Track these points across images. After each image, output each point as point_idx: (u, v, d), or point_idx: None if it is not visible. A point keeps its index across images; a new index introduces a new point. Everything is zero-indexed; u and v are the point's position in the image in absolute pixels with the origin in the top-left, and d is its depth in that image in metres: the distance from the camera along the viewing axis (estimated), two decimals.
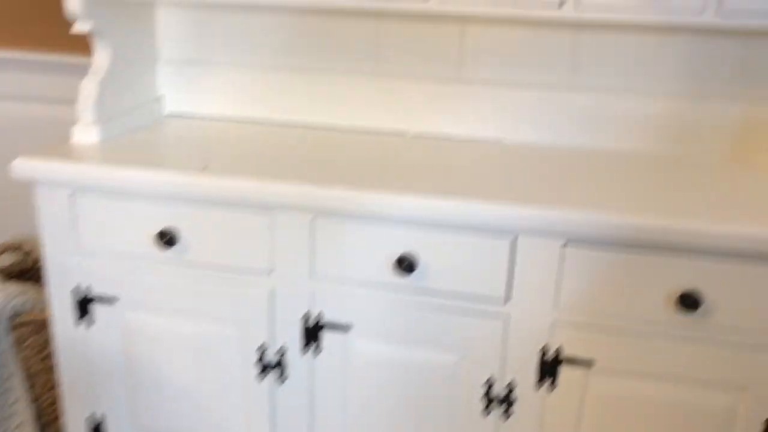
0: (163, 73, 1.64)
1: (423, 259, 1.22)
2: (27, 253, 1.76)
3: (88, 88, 1.43)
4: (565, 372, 1.20)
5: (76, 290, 1.37)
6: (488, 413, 1.25)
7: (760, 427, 1.14)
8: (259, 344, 1.32)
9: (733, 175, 1.35)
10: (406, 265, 1.21)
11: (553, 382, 1.21)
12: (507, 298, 1.21)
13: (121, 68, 1.50)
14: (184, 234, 1.30)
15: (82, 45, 1.71)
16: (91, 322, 1.39)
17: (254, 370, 1.33)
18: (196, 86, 1.64)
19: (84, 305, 1.37)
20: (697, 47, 1.40)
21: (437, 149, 1.48)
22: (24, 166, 1.30)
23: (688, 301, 1.13)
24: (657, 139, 1.47)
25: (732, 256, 1.11)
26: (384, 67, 1.55)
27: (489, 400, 1.24)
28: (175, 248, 1.31)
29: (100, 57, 1.46)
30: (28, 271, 1.77)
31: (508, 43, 1.48)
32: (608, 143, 1.49)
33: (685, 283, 1.14)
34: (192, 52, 1.63)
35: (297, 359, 1.31)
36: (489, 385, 1.23)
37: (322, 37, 1.56)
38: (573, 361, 1.19)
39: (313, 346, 1.29)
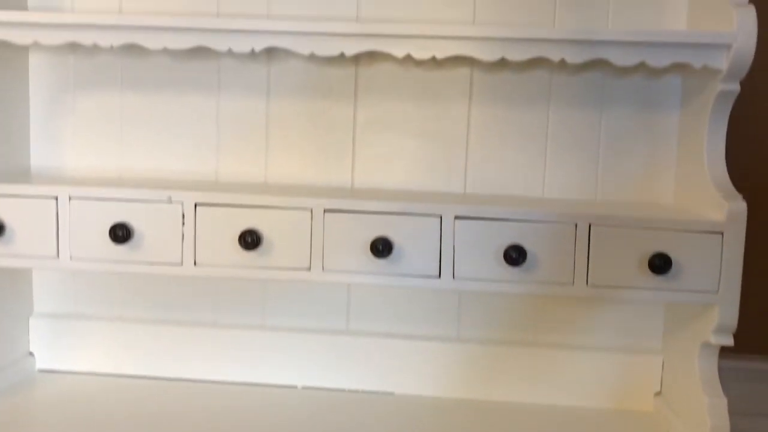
0: (35, 328, 1.55)
1: None
2: None
3: None
4: None
5: None
6: None
7: None
8: None
9: (616, 426, 1.36)
10: None
11: None
12: None
13: None
14: None
15: None
16: None
17: None
18: (71, 341, 1.54)
19: None
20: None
21: (327, 404, 1.43)
22: None
23: None
24: (542, 392, 1.47)
25: None
26: (271, 320, 1.52)
27: None
28: None
29: None
30: None
31: (394, 300, 1.49)
32: (494, 395, 1.47)
33: None
34: (67, 306, 1.55)
35: None
36: None
37: (205, 291, 1.53)
38: None
39: None
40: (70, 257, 1.28)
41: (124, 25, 1.27)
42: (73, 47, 1.43)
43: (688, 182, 1.34)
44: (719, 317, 1.19)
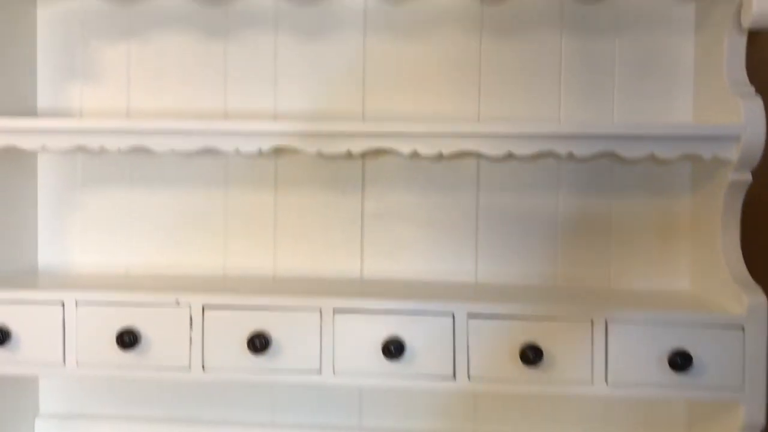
0: (41, 430, 1.51)
1: None
2: None
3: None
4: None
5: None
6: None
7: None
8: None
9: None
10: None
11: None
12: None
13: None
14: None
15: None
16: None
17: None
18: None
19: None
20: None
21: None
22: None
23: None
24: None
25: None
26: (282, 417, 1.48)
27: None
28: None
29: None
30: None
31: (408, 394, 1.45)
32: None
33: None
34: (73, 406, 1.52)
35: None
36: None
37: (214, 389, 1.50)
38: None
39: None
40: (77, 363, 1.26)
41: (130, 129, 1.27)
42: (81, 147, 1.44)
43: (704, 270, 1.32)
44: (745, 416, 1.15)
